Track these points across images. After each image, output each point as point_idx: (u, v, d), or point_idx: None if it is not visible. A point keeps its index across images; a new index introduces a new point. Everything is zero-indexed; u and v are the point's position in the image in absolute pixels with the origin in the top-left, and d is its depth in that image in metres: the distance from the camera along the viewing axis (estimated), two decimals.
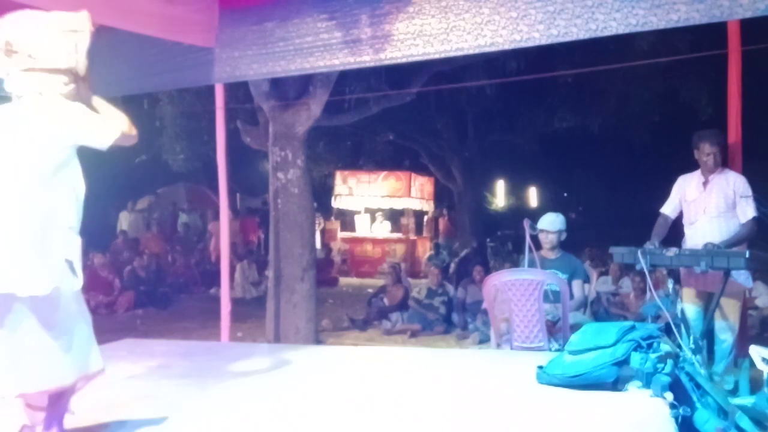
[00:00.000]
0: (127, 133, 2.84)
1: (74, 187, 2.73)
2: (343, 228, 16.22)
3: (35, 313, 2.58)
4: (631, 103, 11.37)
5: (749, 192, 4.49)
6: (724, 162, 4.66)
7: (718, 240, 4.40)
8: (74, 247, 2.72)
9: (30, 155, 2.61)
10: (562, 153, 19.21)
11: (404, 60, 4.53)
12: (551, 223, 5.15)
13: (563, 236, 5.18)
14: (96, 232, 11.06)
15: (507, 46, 4.26)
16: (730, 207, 4.54)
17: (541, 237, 5.15)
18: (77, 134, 2.72)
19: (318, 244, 11.94)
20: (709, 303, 4.59)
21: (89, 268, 9.15)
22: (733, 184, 4.53)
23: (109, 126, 2.81)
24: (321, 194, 15.03)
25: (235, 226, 13.27)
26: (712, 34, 4.77)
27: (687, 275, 4.65)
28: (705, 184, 4.65)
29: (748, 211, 4.47)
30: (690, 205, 4.72)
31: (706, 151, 4.61)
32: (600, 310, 7.49)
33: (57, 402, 2.72)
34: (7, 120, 2.67)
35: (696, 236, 4.63)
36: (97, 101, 2.91)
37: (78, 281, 2.71)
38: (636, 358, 3.28)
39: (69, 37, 2.75)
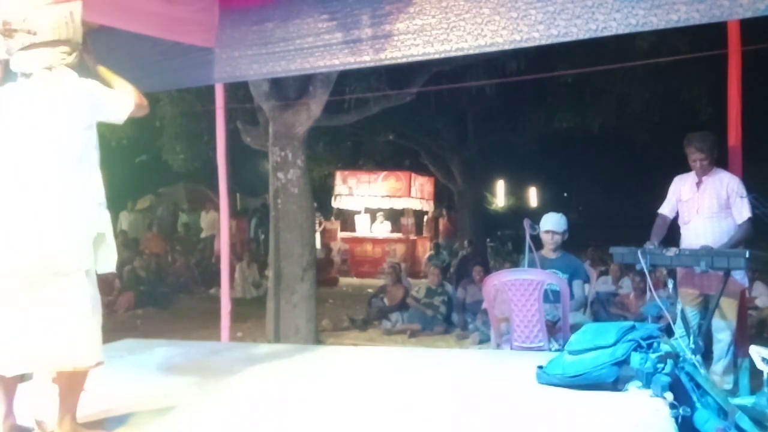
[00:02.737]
0: (139, 104, 2.88)
1: (96, 163, 2.76)
2: (343, 228, 16.21)
3: (72, 290, 2.60)
4: (631, 103, 11.35)
5: (744, 192, 4.49)
6: (717, 162, 4.66)
7: (711, 240, 4.41)
8: (105, 220, 2.75)
9: (58, 135, 2.62)
10: (562, 153, 19.22)
11: (404, 60, 4.52)
12: (557, 223, 5.12)
13: (566, 236, 5.18)
14: None
15: (507, 46, 4.25)
16: (723, 207, 4.55)
17: (547, 237, 5.12)
18: (96, 112, 2.75)
19: (318, 244, 11.94)
20: (705, 305, 4.60)
21: None
22: (726, 185, 4.54)
23: (124, 100, 2.84)
24: (321, 194, 15.02)
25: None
26: (712, 34, 4.77)
27: (684, 278, 4.65)
28: (698, 184, 4.66)
29: (743, 212, 4.48)
30: (684, 205, 4.73)
31: (692, 158, 4.64)
32: (600, 310, 7.48)
33: (74, 386, 2.70)
34: (21, 100, 2.66)
35: (690, 236, 4.65)
36: (104, 71, 2.94)
37: (113, 256, 2.76)
38: (636, 358, 3.28)
39: (63, 7, 2.75)
